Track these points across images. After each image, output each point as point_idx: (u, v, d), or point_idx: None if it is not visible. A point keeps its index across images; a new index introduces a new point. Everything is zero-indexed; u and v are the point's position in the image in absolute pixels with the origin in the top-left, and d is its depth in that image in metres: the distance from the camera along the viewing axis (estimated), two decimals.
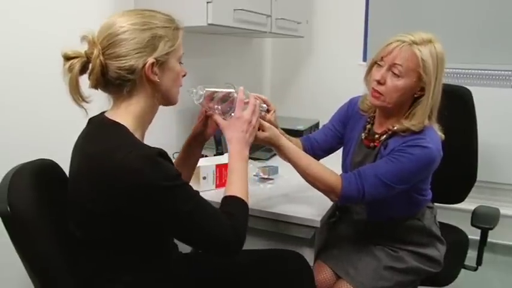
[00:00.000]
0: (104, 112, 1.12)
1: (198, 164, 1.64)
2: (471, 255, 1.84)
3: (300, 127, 2.36)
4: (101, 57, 1.02)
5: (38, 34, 1.51)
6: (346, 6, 2.93)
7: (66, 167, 1.16)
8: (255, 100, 1.30)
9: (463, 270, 1.76)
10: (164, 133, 1.76)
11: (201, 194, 1.07)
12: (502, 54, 2.58)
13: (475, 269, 1.81)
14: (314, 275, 1.47)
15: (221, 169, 1.72)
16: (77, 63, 1.02)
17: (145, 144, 1.04)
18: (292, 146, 1.42)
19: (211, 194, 1.09)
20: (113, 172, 0.95)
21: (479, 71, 2.65)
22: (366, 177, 1.36)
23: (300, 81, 3.17)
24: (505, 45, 2.56)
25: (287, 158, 1.42)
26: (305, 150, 1.63)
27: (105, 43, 1.03)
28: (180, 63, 1.15)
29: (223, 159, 1.76)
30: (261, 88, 3.08)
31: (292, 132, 1.71)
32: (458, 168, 1.88)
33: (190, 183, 1.10)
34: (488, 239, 1.81)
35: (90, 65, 1.03)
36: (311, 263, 1.51)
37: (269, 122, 1.42)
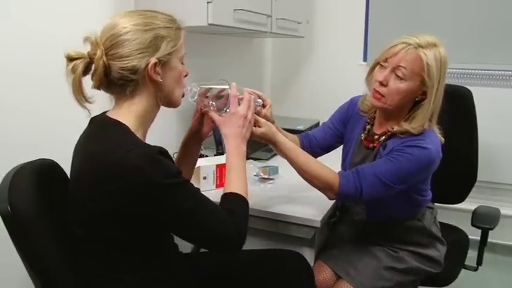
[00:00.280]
0: (105, 112, 1.12)
1: (199, 164, 1.65)
2: (471, 255, 1.84)
3: (300, 127, 2.36)
4: (104, 58, 1.02)
5: (38, 34, 1.51)
6: (346, 6, 2.93)
7: (66, 167, 1.16)
8: (249, 95, 1.30)
9: (463, 270, 1.76)
10: (165, 133, 1.76)
11: None
12: (502, 54, 2.58)
13: (476, 269, 1.81)
14: (314, 275, 1.47)
15: (221, 169, 1.71)
16: (80, 64, 1.03)
17: (146, 143, 1.05)
18: (289, 142, 1.41)
19: (212, 194, 1.09)
20: (113, 171, 0.96)
21: (480, 71, 2.65)
22: (364, 175, 1.35)
23: (300, 81, 3.17)
24: (505, 45, 2.56)
25: (284, 154, 1.41)
26: (303, 147, 1.63)
27: (107, 44, 1.03)
28: (182, 63, 1.15)
29: (223, 159, 1.75)
30: (261, 88, 3.08)
31: (293, 132, 1.71)
32: (458, 168, 1.88)
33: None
34: (489, 239, 1.81)
35: (93, 66, 1.04)
36: (311, 263, 1.51)
37: (265, 117, 1.42)
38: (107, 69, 1.04)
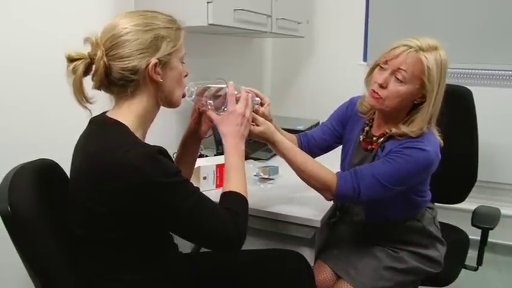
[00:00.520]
0: (105, 112, 1.12)
1: (199, 164, 1.65)
2: (471, 255, 1.84)
3: (300, 127, 2.36)
4: (105, 59, 1.03)
5: (38, 34, 1.51)
6: (346, 6, 2.93)
7: (66, 167, 1.16)
8: (247, 93, 1.30)
9: (463, 270, 1.76)
10: (164, 133, 1.76)
11: None
12: (502, 54, 2.58)
13: (476, 269, 1.81)
14: (314, 275, 1.47)
15: (221, 169, 1.71)
16: (80, 65, 1.03)
17: (146, 143, 1.05)
18: (288, 142, 1.41)
19: (212, 194, 1.09)
20: (113, 170, 0.96)
21: (480, 71, 2.65)
22: (362, 176, 1.35)
23: (300, 81, 3.18)
24: (505, 45, 2.56)
25: (282, 154, 1.40)
26: (301, 146, 1.63)
27: (108, 44, 1.03)
28: (182, 63, 1.15)
29: (223, 159, 1.75)
30: (261, 88, 3.07)
31: (293, 132, 1.71)
32: (458, 168, 1.88)
33: None
34: (489, 239, 1.81)
35: (94, 67, 1.04)
36: (311, 263, 1.51)
37: (263, 115, 1.41)
38: (108, 70, 1.04)
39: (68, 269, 1.06)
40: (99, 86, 1.07)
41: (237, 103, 1.25)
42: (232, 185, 1.18)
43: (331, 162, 1.49)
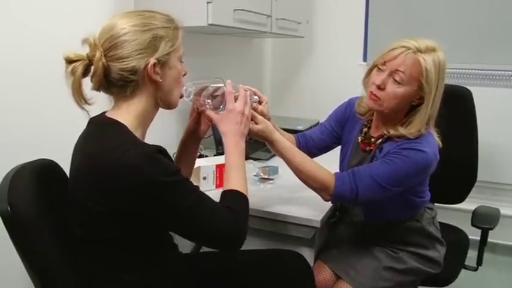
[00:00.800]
0: (104, 112, 1.12)
1: (198, 164, 1.65)
2: (471, 255, 1.84)
3: (300, 127, 2.36)
4: (103, 60, 1.03)
5: (38, 34, 1.51)
6: (346, 6, 2.93)
7: (66, 167, 1.16)
8: (245, 91, 1.29)
9: (463, 270, 1.76)
10: (164, 133, 1.76)
11: None
12: (502, 55, 2.58)
13: (476, 269, 1.81)
14: (314, 276, 1.47)
15: (221, 169, 1.71)
16: (79, 66, 1.03)
17: (145, 143, 1.05)
18: (286, 141, 1.41)
19: (212, 194, 1.09)
20: (112, 170, 0.96)
21: (480, 71, 2.65)
22: (360, 177, 1.35)
23: (300, 82, 3.18)
24: (505, 46, 2.56)
25: (280, 153, 1.40)
26: (299, 146, 1.63)
27: (106, 45, 1.03)
28: (181, 62, 1.15)
29: (223, 159, 1.75)
30: (261, 88, 3.07)
31: (293, 133, 1.71)
32: (458, 168, 1.88)
33: None
34: (489, 239, 1.81)
35: (93, 68, 1.04)
36: (311, 263, 1.51)
37: (261, 113, 1.41)
38: (107, 71, 1.04)
39: (68, 268, 1.06)
40: (98, 87, 1.07)
41: (235, 101, 1.25)
42: (233, 183, 1.18)
43: (329, 163, 1.49)
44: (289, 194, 1.67)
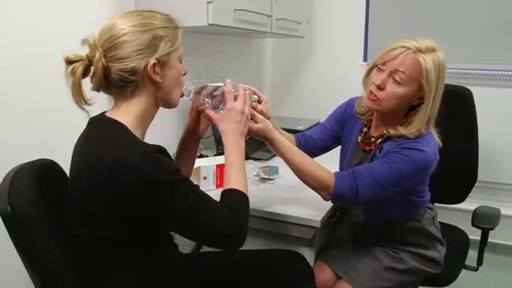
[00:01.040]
0: (104, 112, 1.12)
1: (199, 164, 1.65)
2: (472, 255, 1.84)
3: (300, 127, 2.36)
4: (103, 60, 1.03)
5: (38, 34, 1.51)
6: (346, 7, 2.93)
7: (66, 167, 1.16)
8: (245, 91, 1.29)
9: (463, 271, 1.76)
10: (164, 133, 1.76)
11: None
12: (503, 55, 2.57)
13: (476, 269, 1.80)
14: (314, 275, 1.47)
15: (222, 169, 1.71)
16: (79, 67, 1.03)
17: (145, 142, 1.05)
18: (286, 141, 1.41)
19: (212, 194, 1.09)
20: (112, 170, 0.96)
21: (480, 71, 2.65)
22: (360, 177, 1.35)
23: (301, 82, 3.18)
24: (506, 46, 2.56)
25: (280, 152, 1.40)
26: (299, 146, 1.62)
27: (106, 46, 1.03)
28: (181, 62, 1.15)
29: (223, 159, 1.76)
30: (261, 88, 3.05)
31: (293, 133, 1.71)
32: (459, 168, 1.88)
33: None
34: (489, 239, 1.81)
35: (92, 68, 1.04)
36: (311, 263, 1.51)
37: (261, 112, 1.40)
38: (106, 71, 1.04)
39: (68, 268, 1.06)
40: (98, 88, 1.07)
41: (235, 101, 1.25)
42: (233, 182, 1.18)
43: (329, 163, 1.49)
44: (289, 194, 1.66)
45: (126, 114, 1.08)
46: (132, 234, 1.03)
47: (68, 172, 1.14)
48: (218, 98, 1.29)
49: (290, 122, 2.40)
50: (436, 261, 1.56)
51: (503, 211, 1.91)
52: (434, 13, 2.68)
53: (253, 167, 1.90)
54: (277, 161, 1.93)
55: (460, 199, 2.01)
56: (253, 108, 1.37)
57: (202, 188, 1.09)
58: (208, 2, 1.71)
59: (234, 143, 1.22)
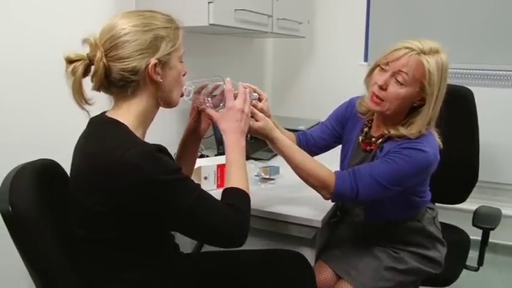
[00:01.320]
0: (104, 112, 1.12)
1: (200, 164, 1.65)
2: (472, 255, 1.84)
3: (301, 127, 2.35)
4: (104, 60, 1.03)
5: (38, 34, 1.51)
6: (347, 7, 2.94)
7: (67, 167, 1.16)
8: (244, 89, 1.29)
9: (464, 271, 1.76)
10: (165, 132, 1.76)
11: None
12: (504, 55, 2.57)
13: (477, 269, 1.80)
14: (315, 275, 1.47)
15: (222, 169, 1.71)
16: (80, 66, 1.03)
17: (145, 142, 1.05)
18: (287, 139, 1.41)
19: (213, 194, 1.09)
20: (112, 170, 0.96)
21: (481, 71, 2.65)
22: (361, 176, 1.35)
23: (301, 81, 3.18)
24: (507, 46, 2.56)
25: (280, 151, 1.40)
26: (299, 145, 1.62)
27: (107, 45, 1.03)
28: (181, 62, 1.15)
29: (224, 159, 1.76)
30: (262, 88, 3.03)
31: (293, 132, 1.71)
32: (459, 168, 1.88)
33: None
34: (490, 240, 1.81)
35: (93, 68, 1.04)
36: (312, 263, 1.50)
37: (261, 110, 1.41)
38: (107, 71, 1.04)
39: (69, 268, 1.06)
40: (98, 87, 1.07)
41: (235, 99, 1.25)
42: (234, 181, 1.18)
43: (329, 162, 1.48)
44: (290, 194, 1.66)
45: (127, 114, 1.08)
46: (132, 234, 1.03)
47: (68, 172, 1.14)
48: (218, 97, 1.30)
49: (291, 121, 2.40)
50: (437, 262, 1.56)
51: (504, 211, 1.91)
52: (435, 13, 2.68)
53: (254, 167, 1.90)
54: (278, 161, 1.93)
55: (461, 199, 2.01)
56: (254, 106, 1.37)
57: (203, 188, 1.09)
58: (209, 2, 1.71)
59: (234, 142, 1.22)
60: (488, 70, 2.63)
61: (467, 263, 1.79)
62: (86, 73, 1.05)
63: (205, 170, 1.70)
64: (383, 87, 1.35)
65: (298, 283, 1.38)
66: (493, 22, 2.57)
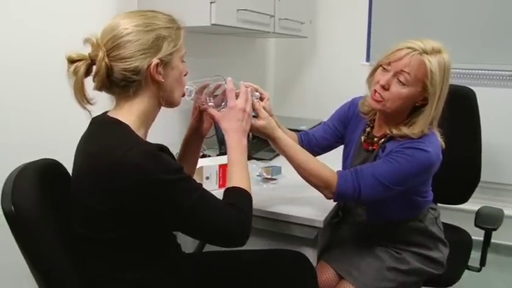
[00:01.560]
0: (106, 112, 1.12)
1: (201, 164, 1.65)
2: (475, 256, 1.83)
3: (303, 127, 2.35)
4: (106, 60, 1.03)
5: (39, 34, 1.51)
6: (349, 7, 2.93)
7: (69, 167, 1.16)
8: (246, 88, 1.29)
9: (466, 271, 1.76)
10: (167, 132, 1.77)
11: None
12: (505, 54, 2.57)
13: (479, 270, 1.80)
14: (317, 276, 1.47)
15: (224, 169, 1.71)
16: (81, 66, 1.03)
17: (146, 141, 1.05)
18: (289, 139, 1.41)
19: (215, 194, 1.09)
20: (114, 169, 0.96)
21: (483, 71, 2.64)
22: (363, 176, 1.35)
23: (303, 82, 3.18)
24: (508, 45, 2.56)
25: (282, 150, 1.40)
26: (301, 145, 1.62)
27: (109, 45, 1.03)
28: (182, 62, 1.15)
29: (226, 159, 1.76)
30: (264, 88, 3.04)
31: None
32: (462, 168, 1.88)
33: None
34: (492, 240, 1.80)
35: (95, 68, 1.04)
36: (314, 263, 1.50)
37: (263, 110, 1.40)
38: (109, 71, 1.04)
39: (71, 268, 1.06)
40: (100, 87, 1.07)
41: (236, 99, 1.25)
42: (236, 180, 1.18)
43: (331, 162, 1.48)
44: (292, 194, 1.66)
45: (129, 114, 1.08)
46: (134, 233, 1.03)
47: (70, 172, 1.14)
48: (220, 96, 1.30)
49: (293, 121, 2.40)
50: (439, 262, 1.55)
51: (506, 211, 1.91)
52: (437, 13, 2.67)
53: (255, 167, 1.90)
54: (279, 161, 1.93)
55: (463, 199, 2.01)
56: (255, 105, 1.37)
57: (204, 188, 1.09)
58: (211, 2, 1.71)
59: (236, 141, 1.23)
60: (490, 70, 2.62)
61: (470, 263, 1.79)
62: (87, 73, 1.05)
63: (207, 170, 1.70)
64: (385, 87, 1.35)
65: (300, 283, 1.38)
66: (495, 22, 2.56)
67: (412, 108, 1.40)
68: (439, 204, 1.70)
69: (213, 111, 1.27)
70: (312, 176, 1.38)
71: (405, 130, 1.37)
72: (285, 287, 1.37)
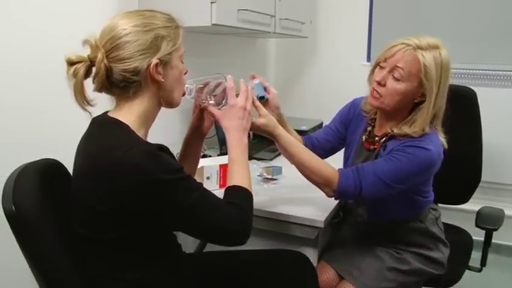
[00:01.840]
0: (106, 112, 1.12)
1: (202, 164, 1.65)
2: (475, 256, 1.83)
3: (304, 127, 2.36)
4: (105, 61, 1.02)
5: (38, 34, 1.51)
6: (350, 7, 2.93)
7: (69, 167, 1.16)
8: (246, 86, 1.29)
9: (467, 271, 1.76)
10: (167, 132, 1.76)
11: None
12: (506, 54, 2.57)
13: (479, 270, 1.80)
14: (317, 276, 1.47)
15: (225, 169, 1.71)
16: (81, 68, 1.03)
17: (146, 141, 1.05)
18: (290, 137, 1.40)
19: (215, 194, 1.09)
20: (114, 169, 0.96)
21: (484, 71, 2.64)
22: (364, 174, 1.35)
23: (304, 82, 3.18)
24: (509, 45, 2.55)
25: (284, 148, 1.39)
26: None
27: (108, 46, 1.03)
28: (181, 61, 1.15)
29: (227, 159, 1.76)
30: None
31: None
32: (462, 168, 1.88)
33: None
34: (493, 240, 1.80)
35: (94, 69, 1.04)
36: (314, 264, 1.50)
37: (271, 102, 1.44)
38: (109, 72, 1.04)
39: (71, 268, 1.06)
40: (100, 88, 1.06)
41: (237, 97, 1.25)
42: (236, 179, 1.17)
43: (333, 162, 1.48)
44: (292, 194, 1.66)
45: (129, 114, 1.08)
46: (135, 233, 1.03)
47: (71, 171, 1.14)
48: (220, 94, 1.30)
49: (293, 122, 2.38)
50: (439, 262, 1.55)
51: (506, 212, 1.90)
52: (437, 13, 2.67)
53: (256, 167, 1.90)
54: (280, 161, 1.93)
55: (464, 199, 2.01)
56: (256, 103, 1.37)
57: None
58: (211, 2, 1.71)
59: (237, 139, 1.22)
60: (491, 70, 2.62)
61: (470, 263, 1.79)
62: (87, 75, 1.05)
63: (208, 169, 1.70)
64: (381, 83, 1.36)
65: (300, 283, 1.38)
66: (496, 22, 2.56)
67: (412, 106, 1.40)
68: (439, 205, 1.70)
69: (214, 110, 1.27)
70: (314, 173, 1.38)
71: (406, 129, 1.37)
72: (286, 287, 1.36)
